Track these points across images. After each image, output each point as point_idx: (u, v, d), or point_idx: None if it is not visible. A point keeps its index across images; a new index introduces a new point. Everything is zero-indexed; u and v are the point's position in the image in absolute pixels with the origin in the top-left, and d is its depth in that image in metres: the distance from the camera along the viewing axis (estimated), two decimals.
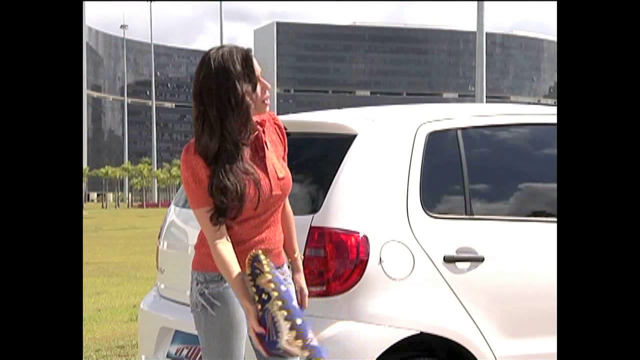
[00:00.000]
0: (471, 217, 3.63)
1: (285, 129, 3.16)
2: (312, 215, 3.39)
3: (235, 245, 3.01)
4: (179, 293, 3.80)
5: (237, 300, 3.00)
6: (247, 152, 2.97)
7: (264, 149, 3.03)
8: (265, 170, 3.01)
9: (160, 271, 4.21)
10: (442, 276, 3.46)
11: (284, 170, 3.06)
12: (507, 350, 3.57)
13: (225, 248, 2.94)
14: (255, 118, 2.99)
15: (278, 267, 3.07)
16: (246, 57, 2.91)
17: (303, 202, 3.47)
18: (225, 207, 2.91)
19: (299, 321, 2.82)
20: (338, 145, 3.53)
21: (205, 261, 3.07)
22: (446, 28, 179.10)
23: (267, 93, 3.02)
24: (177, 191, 4.43)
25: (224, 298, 3.02)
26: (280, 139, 3.13)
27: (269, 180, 3.00)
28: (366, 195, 3.45)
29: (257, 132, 3.02)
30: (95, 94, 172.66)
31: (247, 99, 2.89)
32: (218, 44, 3.16)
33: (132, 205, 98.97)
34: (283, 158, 3.12)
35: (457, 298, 3.48)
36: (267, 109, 3.03)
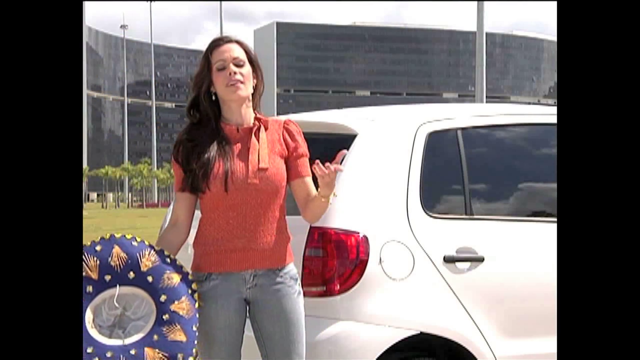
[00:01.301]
0: (471, 217, 3.64)
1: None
2: None
3: (216, 243, 3.02)
4: None
5: (219, 303, 3.00)
6: (235, 145, 3.05)
7: (252, 141, 3.06)
8: (245, 158, 3.03)
9: None
10: (442, 276, 3.47)
11: (270, 164, 3.03)
12: (507, 350, 3.57)
13: (167, 230, 3.09)
14: (261, 116, 3.12)
15: (278, 269, 3.05)
16: (209, 44, 3.11)
17: None
18: (191, 171, 3.00)
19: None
20: (338, 145, 3.53)
21: (196, 261, 3.09)
22: (446, 28, 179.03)
23: (231, 78, 3.03)
24: None
25: (204, 299, 3.01)
26: (284, 142, 3.11)
27: (247, 167, 3.01)
28: (366, 195, 3.45)
29: (253, 127, 3.08)
30: (95, 94, 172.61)
31: (196, 83, 3.09)
32: None
33: (132, 205, 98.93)
34: (290, 159, 3.09)
35: (457, 298, 3.48)
36: (235, 92, 3.03)
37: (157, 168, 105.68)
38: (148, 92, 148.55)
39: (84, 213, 38.02)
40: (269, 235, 3.03)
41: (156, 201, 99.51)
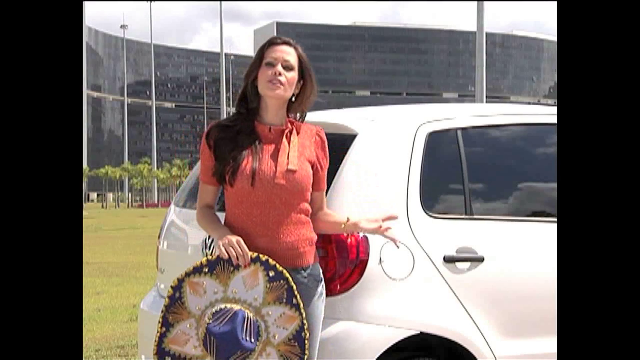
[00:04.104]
0: (471, 217, 3.63)
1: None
2: None
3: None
4: None
5: None
6: (267, 145, 3.08)
7: (282, 143, 3.09)
8: (275, 158, 3.06)
9: (160, 271, 4.21)
10: (442, 276, 3.46)
11: (298, 167, 3.06)
12: (507, 350, 3.57)
13: (208, 211, 3.14)
14: (293, 119, 3.18)
15: (302, 269, 3.06)
16: (267, 40, 3.18)
17: None
18: (222, 159, 3.05)
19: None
20: (338, 145, 3.53)
21: None
22: (446, 28, 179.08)
23: (275, 77, 3.09)
24: (177, 191, 4.44)
25: None
26: (315, 149, 3.16)
27: (275, 167, 3.03)
28: (366, 195, 3.45)
29: (285, 129, 3.12)
30: (95, 94, 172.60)
31: (247, 74, 3.15)
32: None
33: (132, 205, 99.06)
34: (314, 169, 3.13)
35: (457, 298, 3.48)
36: (273, 90, 3.09)
37: (157, 168, 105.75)
38: (148, 92, 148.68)
39: (84, 213, 38.07)
40: (291, 235, 3.05)
41: (156, 201, 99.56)
